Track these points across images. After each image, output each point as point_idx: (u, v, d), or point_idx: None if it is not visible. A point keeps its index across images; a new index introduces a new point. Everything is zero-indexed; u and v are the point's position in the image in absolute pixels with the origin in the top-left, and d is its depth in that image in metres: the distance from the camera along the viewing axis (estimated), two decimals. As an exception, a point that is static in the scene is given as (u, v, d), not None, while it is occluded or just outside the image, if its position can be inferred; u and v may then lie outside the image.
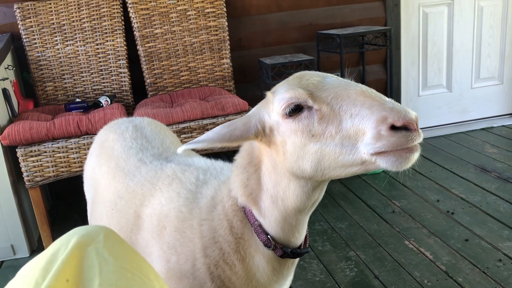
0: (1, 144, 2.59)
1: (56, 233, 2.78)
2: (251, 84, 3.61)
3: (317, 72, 1.05)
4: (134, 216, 1.33)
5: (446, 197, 3.03)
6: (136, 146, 1.54)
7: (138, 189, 1.37)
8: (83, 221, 3.19)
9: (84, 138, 2.69)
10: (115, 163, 1.51)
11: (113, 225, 1.37)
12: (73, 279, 0.68)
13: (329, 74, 1.04)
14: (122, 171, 1.46)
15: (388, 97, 0.96)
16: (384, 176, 3.42)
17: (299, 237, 1.16)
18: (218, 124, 2.82)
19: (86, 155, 2.69)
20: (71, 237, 0.74)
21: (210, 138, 1.04)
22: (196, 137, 2.90)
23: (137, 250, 1.28)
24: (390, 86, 3.67)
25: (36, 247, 2.85)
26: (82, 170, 2.77)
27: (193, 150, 1.62)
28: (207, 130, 2.82)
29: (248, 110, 2.92)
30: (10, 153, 2.70)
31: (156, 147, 1.55)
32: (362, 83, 1.08)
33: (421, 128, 0.91)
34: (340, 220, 2.86)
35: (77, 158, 2.69)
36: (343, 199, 3.13)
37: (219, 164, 1.38)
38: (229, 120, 2.83)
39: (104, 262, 0.68)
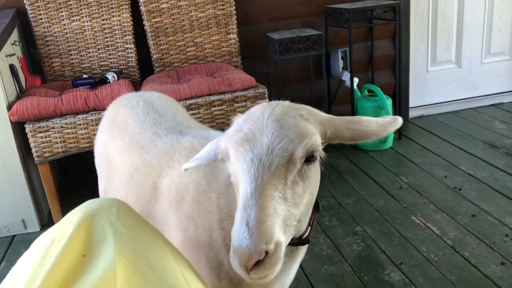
0: (10, 120, 2.60)
1: (65, 208, 2.81)
2: (258, 60, 3.58)
3: (261, 126, 0.99)
4: (152, 187, 1.35)
5: (453, 173, 3.03)
6: (149, 120, 1.55)
7: (155, 161, 1.38)
8: (92, 196, 3.22)
9: (92, 114, 2.69)
10: (129, 137, 1.52)
11: (130, 197, 1.39)
12: (83, 251, 0.68)
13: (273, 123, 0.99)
14: (137, 145, 1.48)
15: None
16: (392, 152, 3.41)
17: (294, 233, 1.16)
18: (225, 101, 2.82)
19: (94, 131, 2.71)
20: (79, 211, 0.75)
21: (198, 156, 1.17)
22: (203, 114, 2.88)
23: (155, 220, 1.30)
24: (398, 62, 3.62)
25: (46, 222, 2.89)
26: (91, 146, 2.79)
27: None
28: (214, 106, 2.82)
29: (255, 86, 2.91)
30: (19, 129, 2.72)
31: (169, 121, 1.55)
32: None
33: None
34: (347, 196, 2.87)
35: (85, 134, 2.70)
36: (350, 175, 3.13)
37: None
38: (236, 96, 2.82)
39: (118, 233, 0.69)
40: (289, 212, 0.94)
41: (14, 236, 2.78)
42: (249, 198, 0.89)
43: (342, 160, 3.35)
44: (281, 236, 0.90)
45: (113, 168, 1.56)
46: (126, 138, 1.53)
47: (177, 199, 1.28)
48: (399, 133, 3.61)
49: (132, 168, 1.44)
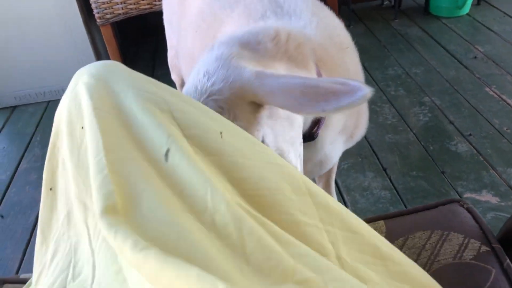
0: (69, -21, 2.54)
1: (129, 72, 2.85)
2: None
3: None
4: (213, 40, 1.29)
5: (537, 43, 2.77)
6: None
7: (219, 12, 1.29)
8: (153, 59, 3.26)
9: (150, -27, 2.58)
10: None
11: (196, 47, 1.34)
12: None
13: None
14: None
15: None
16: (468, 19, 3.13)
17: None
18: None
19: (153, -9, 2.62)
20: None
21: None
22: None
23: None
24: None
25: (112, 85, 2.97)
26: (151, 8, 2.72)
27: None
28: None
29: None
30: (79, -11, 2.67)
31: None
32: None
33: None
34: (416, 66, 2.72)
35: (145, -6, 2.62)
36: (420, 44, 2.93)
37: (299, 3, 1.16)
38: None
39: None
40: None
41: (83, 97, 2.90)
42: None
43: (412, 28, 3.11)
44: None
45: (184, 18, 1.49)
46: None
47: None
48: (478, -2, 3.27)
49: (200, 17, 1.36)
